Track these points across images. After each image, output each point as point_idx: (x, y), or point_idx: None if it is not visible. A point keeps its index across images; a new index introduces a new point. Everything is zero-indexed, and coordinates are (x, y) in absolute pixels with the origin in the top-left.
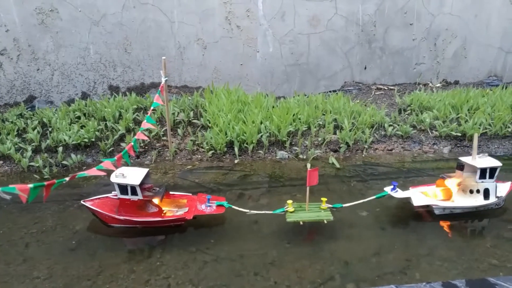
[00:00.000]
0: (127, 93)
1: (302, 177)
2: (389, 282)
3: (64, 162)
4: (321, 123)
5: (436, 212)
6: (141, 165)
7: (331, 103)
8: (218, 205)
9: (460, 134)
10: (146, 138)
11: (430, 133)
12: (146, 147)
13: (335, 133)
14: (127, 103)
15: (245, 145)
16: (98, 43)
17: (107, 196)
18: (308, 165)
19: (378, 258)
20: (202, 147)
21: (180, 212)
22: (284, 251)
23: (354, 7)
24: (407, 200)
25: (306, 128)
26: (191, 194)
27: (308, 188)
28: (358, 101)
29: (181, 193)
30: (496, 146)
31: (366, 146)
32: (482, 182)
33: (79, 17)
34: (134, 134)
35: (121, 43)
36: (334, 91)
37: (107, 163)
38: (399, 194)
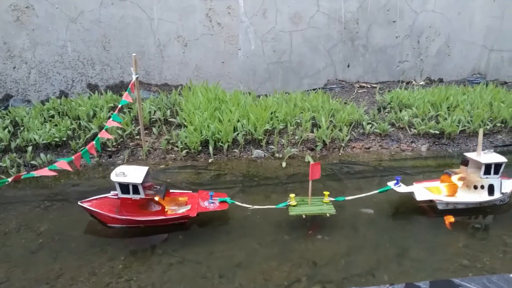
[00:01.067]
0: (107, 91)
1: (277, 176)
2: (356, 283)
3: (32, 162)
4: (299, 121)
5: (439, 207)
6: (113, 164)
7: (310, 101)
8: (221, 202)
9: (438, 132)
10: (110, 136)
11: (408, 131)
12: (119, 146)
13: (312, 131)
14: (102, 101)
15: (220, 143)
16: (76, 40)
17: (105, 196)
18: (284, 164)
19: (347, 259)
20: (176, 146)
21: (182, 210)
22: (253, 253)
23: (337, 4)
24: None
25: (283, 127)
26: (191, 191)
27: (310, 182)
28: (337, 99)
29: (181, 191)
30: (474, 144)
31: (343, 145)
32: (487, 178)
33: (55, 14)
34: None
35: (100, 41)
36: (314, 89)
37: (62, 163)
38: (402, 188)
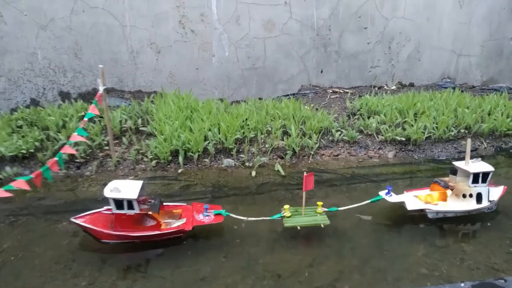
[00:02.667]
0: (78, 99)
1: (246, 186)
2: None
3: None
4: (269, 129)
5: (429, 216)
6: (81, 176)
7: (281, 108)
8: (216, 214)
9: (404, 139)
10: (74, 152)
11: (376, 138)
12: (88, 157)
13: (282, 139)
14: (72, 110)
15: (190, 153)
16: (47, 48)
17: (99, 211)
18: (253, 173)
19: (310, 270)
20: (146, 156)
21: (177, 224)
22: (219, 266)
23: (309, 11)
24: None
25: (254, 135)
26: (185, 204)
27: (304, 193)
28: (308, 106)
29: (175, 203)
30: (439, 150)
31: (312, 152)
32: (475, 186)
33: (25, 22)
34: (77, 144)
35: (71, 48)
36: (288, 95)
37: (19, 183)
38: (394, 198)
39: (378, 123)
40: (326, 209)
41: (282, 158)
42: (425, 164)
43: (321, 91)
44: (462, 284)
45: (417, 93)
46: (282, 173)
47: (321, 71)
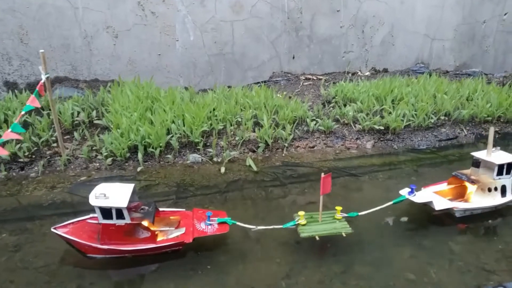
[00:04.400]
0: (26, 89)
1: (215, 184)
2: None
3: None
4: (239, 120)
5: (457, 215)
6: (25, 178)
7: (252, 97)
8: (220, 223)
9: (383, 128)
10: (6, 152)
11: (353, 127)
12: (34, 156)
13: (254, 131)
14: (16, 103)
15: (151, 149)
16: None
17: (83, 220)
18: (223, 169)
19: (288, 282)
20: (101, 153)
21: (175, 234)
22: (185, 280)
23: None
24: None
25: (223, 127)
26: (184, 209)
27: (322, 197)
28: (281, 94)
29: (172, 209)
30: (419, 139)
31: (286, 144)
32: (500, 179)
33: None
34: (19, 142)
35: (16, 33)
36: (259, 83)
37: None
38: (418, 198)
39: (355, 111)
40: (345, 215)
41: (253, 151)
42: (405, 154)
43: (293, 78)
44: None
45: (393, 78)
46: (254, 168)
47: (293, 57)
